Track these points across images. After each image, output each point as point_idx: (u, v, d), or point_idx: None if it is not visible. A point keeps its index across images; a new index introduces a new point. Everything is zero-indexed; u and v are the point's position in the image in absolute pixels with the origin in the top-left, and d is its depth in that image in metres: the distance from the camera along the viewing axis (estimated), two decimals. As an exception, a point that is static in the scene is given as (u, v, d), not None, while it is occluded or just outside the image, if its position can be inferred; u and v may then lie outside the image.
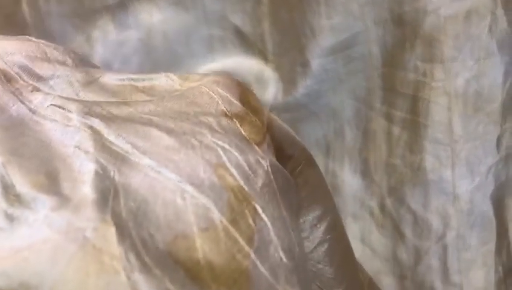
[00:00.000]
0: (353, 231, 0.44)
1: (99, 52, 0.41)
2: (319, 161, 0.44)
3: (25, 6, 0.41)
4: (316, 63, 0.42)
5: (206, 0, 0.41)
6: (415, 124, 0.42)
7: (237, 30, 0.42)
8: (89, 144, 0.20)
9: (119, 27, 0.41)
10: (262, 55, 0.42)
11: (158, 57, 0.42)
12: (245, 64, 0.42)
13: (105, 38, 0.41)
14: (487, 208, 0.41)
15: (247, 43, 0.42)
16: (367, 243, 0.44)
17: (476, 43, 0.39)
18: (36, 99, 0.23)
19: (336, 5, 0.40)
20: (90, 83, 0.25)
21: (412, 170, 0.43)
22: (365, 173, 0.43)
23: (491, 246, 0.42)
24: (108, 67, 0.42)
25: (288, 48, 0.42)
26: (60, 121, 0.21)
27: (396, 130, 0.42)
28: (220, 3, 0.41)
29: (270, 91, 0.43)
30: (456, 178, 0.41)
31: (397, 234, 0.44)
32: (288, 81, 0.42)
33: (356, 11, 0.40)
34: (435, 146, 0.41)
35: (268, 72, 0.43)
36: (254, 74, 0.43)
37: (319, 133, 0.43)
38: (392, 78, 0.41)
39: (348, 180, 0.44)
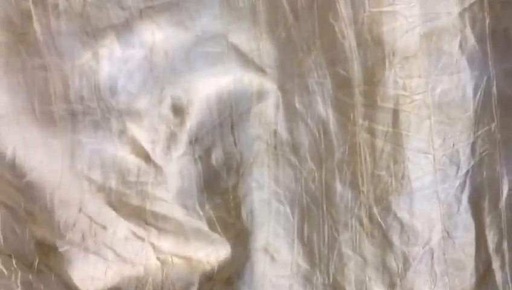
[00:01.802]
0: (345, 240, 0.46)
1: (105, 68, 0.45)
2: (315, 173, 0.47)
3: (36, 25, 0.44)
4: (310, 76, 0.46)
5: (204, 20, 0.45)
6: (397, 136, 0.45)
7: (235, 48, 0.45)
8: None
9: (124, 45, 0.44)
10: (260, 70, 0.46)
11: (160, 73, 0.45)
12: (245, 78, 0.45)
13: (111, 55, 0.44)
14: (466, 210, 0.44)
15: (245, 60, 0.46)
16: (358, 252, 0.46)
17: (448, 59, 0.43)
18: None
19: (327, 26, 0.44)
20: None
21: (396, 180, 0.45)
22: (353, 185, 0.46)
23: (473, 246, 0.44)
24: (115, 82, 0.45)
25: (285, 62, 0.46)
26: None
27: (379, 143, 0.45)
28: (218, 23, 0.45)
29: (270, 102, 0.46)
30: (437, 184, 0.45)
31: (386, 242, 0.46)
32: (287, 91, 0.46)
33: (342, 31, 0.45)
34: (417, 155, 0.44)
35: (267, 84, 0.46)
36: (254, 86, 0.46)
37: (313, 148, 0.46)
38: (373, 94, 0.45)
39: (339, 191, 0.46)
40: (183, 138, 0.45)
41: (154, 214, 0.47)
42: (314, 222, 0.47)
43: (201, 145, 0.46)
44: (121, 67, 0.44)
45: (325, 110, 0.45)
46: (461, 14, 0.42)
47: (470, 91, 0.42)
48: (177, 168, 0.45)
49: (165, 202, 0.46)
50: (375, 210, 0.46)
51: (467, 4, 0.42)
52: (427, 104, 0.44)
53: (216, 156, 0.46)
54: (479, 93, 0.42)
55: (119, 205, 0.47)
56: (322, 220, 0.47)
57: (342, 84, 0.45)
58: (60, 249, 0.47)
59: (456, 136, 0.43)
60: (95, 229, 0.47)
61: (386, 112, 0.44)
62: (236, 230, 0.47)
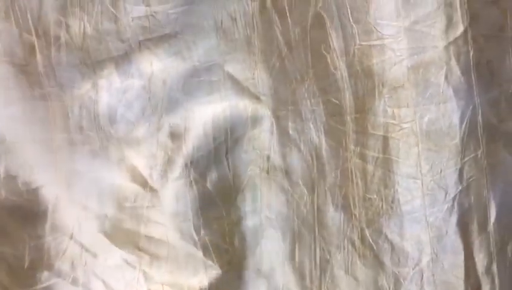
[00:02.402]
0: (337, 261, 0.48)
1: (104, 98, 0.46)
2: (307, 197, 0.49)
3: (38, 57, 0.45)
4: (303, 104, 0.48)
5: (201, 51, 0.46)
6: (387, 162, 0.47)
7: (230, 77, 0.47)
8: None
9: (123, 76, 0.46)
10: (255, 97, 0.47)
11: (158, 102, 0.46)
12: (240, 104, 0.47)
13: (110, 85, 0.46)
14: (455, 233, 0.45)
15: (241, 88, 0.47)
16: (350, 272, 0.48)
17: (435, 89, 0.45)
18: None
19: (319, 57, 0.46)
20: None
21: (387, 203, 0.47)
22: (346, 208, 0.47)
23: (462, 268, 0.46)
24: (114, 111, 0.46)
25: (279, 90, 0.47)
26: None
27: (370, 168, 0.47)
28: (214, 54, 0.47)
29: (265, 128, 0.48)
30: (426, 208, 0.46)
31: (377, 262, 0.48)
32: (281, 117, 0.47)
33: (334, 62, 0.47)
34: (406, 180, 0.46)
35: (262, 111, 0.47)
36: (249, 113, 0.47)
37: (306, 172, 0.48)
38: (364, 122, 0.47)
39: (331, 215, 0.48)
40: (179, 161, 0.46)
41: (148, 239, 0.47)
42: (306, 245, 0.48)
43: (196, 168, 0.47)
44: (120, 97, 0.46)
45: (318, 136, 0.47)
46: (446, 48, 0.44)
47: (456, 120, 0.44)
48: (172, 191, 0.46)
49: (160, 225, 0.47)
50: (366, 232, 0.48)
51: (451, 38, 0.44)
52: (415, 132, 0.46)
53: (211, 180, 0.47)
54: (465, 122, 0.44)
55: (113, 231, 0.47)
56: (314, 243, 0.48)
57: (334, 112, 0.47)
58: (46, 283, 0.46)
59: (443, 162, 0.45)
60: (85, 257, 0.47)
61: (376, 139, 0.46)
62: (229, 256, 0.48)
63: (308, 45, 0.46)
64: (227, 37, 0.46)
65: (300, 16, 0.46)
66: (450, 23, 0.44)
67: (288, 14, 0.47)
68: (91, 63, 0.45)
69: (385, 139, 0.46)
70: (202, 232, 0.47)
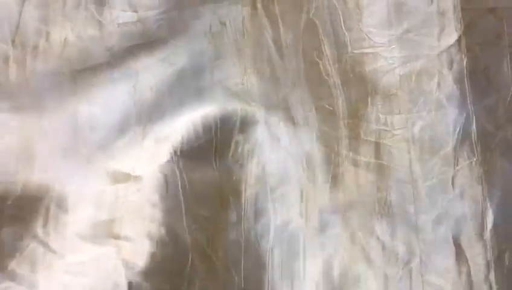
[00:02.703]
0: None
1: (85, 107, 0.44)
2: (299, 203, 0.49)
3: (12, 66, 0.43)
4: (295, 109, 0.47)
5: (189, 56, 0.45)
6: (379, 167, 0.46)
7: (219, 82, 0.46)
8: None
9: (106, 83, 0.44)
10: (245, 102, 0.46)
11: (143, 109, 0.44)
12: (229, 108, 0.45)
13: (91, 93, 0.44)
14: (446, 240, 0.46)
15: (230, 93, 0.46)
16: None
17: (427, 97, 0.45)
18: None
19: (311, 63, 0.46)
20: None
21: (379, 205, 0.47)
22: (336, 212, 0.47)
23: (453, 271, 0.46)
24: (95, 119, 0.45)
25: (270, 96, 0.46)
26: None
27: (362, 172, 0.47)
28: (202, 59, 0.45)
29: (255, 133, 0.46)
30: (418, 212, 0.46)
31: (367, 262, 0.49)
32: (272, 123, 0.46)
33: (327, 69, 0.46)
34: (398, 184, 0.46)
35: (252, 116, 0.46)
36: (239, 116, 0.46)
37: (297, 178, 0.47)
38: (357, 128, 0.47)
39: (321, 219, 0.47)
40: (166, 149, 0.44)
41: (131, 227, 0.44)
42: (294, 255, 0.47)
43: (185, 158, 0.45)
44: (102, 104, 0.44)
45: (310, 142, 0.47)
46: (439, 56, 0.44)
47: (449, 127, 0.44)
48: (160, 174, 0.44)
49: (142, 217, 0.44)
50: (359, 234, 0.48)
51: (444, 46, 0.44)
52: (406, 138, 0.46)
53: (200, 177, 0.45)
54: (458, 130, 0.44)
55: (89, 230, 0.44)
56: (304, 251, 0.48)
57: (327, 118, 0.46)
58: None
59: (435, 169, 0.45)
60: (49, 257, 0.42)
61: (368, 145, 0.46)
62: (212, 264, 0.46)
63: (300, 51, 0.46)
64: (217, 42, 0.45)
65: (292, 22, 0.46)
66: (442, 32, 0.44)
67: (279, 21, 0.46)
68: (70, 71, 0.43)
69: (377, 145, 0.46)
70: (190, 227, 0.45)
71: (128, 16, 0.44)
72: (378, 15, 0.44)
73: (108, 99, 0.44)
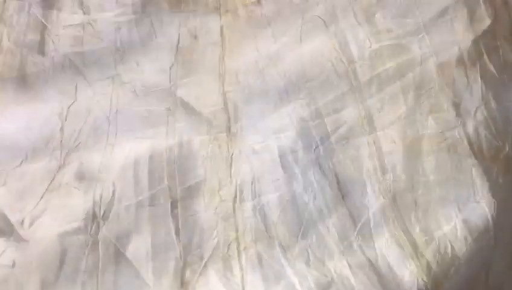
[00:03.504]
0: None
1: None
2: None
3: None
4: (293, 130, 0.33)
5: (146, 73, 0.35)
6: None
7: (184, 104, 0.34)
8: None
9: (33, 96, 0.33)
10: (217, 130, 0.33)
11: (72, 134, 0.32)
12: (195, 140, 0.32)
13: (11, 107, 0.33)
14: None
15: (198, 119, 0.34)
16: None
17: (473, 89, 0.33)
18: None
19: (318, 66, 0.35)
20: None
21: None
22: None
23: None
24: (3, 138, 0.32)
25: (254, 116, 0.34)
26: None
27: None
28: (164, 77, 0.35)
29: (235, 170, 0.32)
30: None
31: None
32: (259, 151, 0.32)
33: (341, 71, 0.34)
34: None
35: (227, 149, 0.32)
36: (209, 151, 0.32)
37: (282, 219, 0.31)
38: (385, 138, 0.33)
39: None
40: (82, 209, 0.30)
41: None
42: None
43: (112, 226, 0.30)
44: (19, 121, 0.33)
45: (317, 176, 0.32)
46: (475, 43, 0.34)
47: (506, 125, 0.32)
48: (55, 247, 0.28)
49: None
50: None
51: (479, 32, 0.34)
52: (460, 140, 0.31)
53: (136, 248, 0.29)
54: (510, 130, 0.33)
55: None
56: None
57: (345, 135, 0.33)
58: None
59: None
60: None
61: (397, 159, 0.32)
62: None
63: (301, 54, 0.36)
64: (185, 57, 0.36)
65: (288, 24, 0.37)
66: (474, 16, 0.35)
67: (269, 25, 0.37)
68: None
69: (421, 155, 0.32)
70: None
71: (76, 18, 0.36)
72: (397, 4, 0.35)
73: (31, 116, 0.33)
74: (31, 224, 0.29)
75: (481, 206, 0.31)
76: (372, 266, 0.29)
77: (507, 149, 0.32)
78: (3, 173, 0.31)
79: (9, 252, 0.28)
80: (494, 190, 0.31)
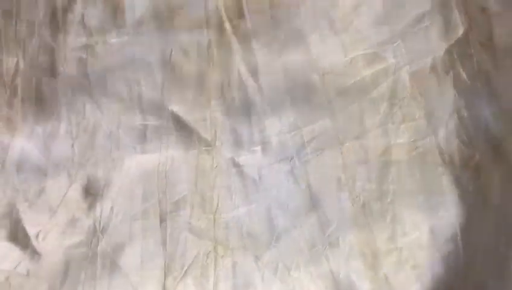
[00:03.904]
0: None
1: (18, 142, 0.37)
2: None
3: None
4: (277, 141, 0.36)
5: (143, 90, 0.38)
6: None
7: (176, 118, 0.38)
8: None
9: (48, 117, 0.37)
10: (206, 144, 0.37)
11: (82, 150, 0.37)
12: (186, 154, 0.36)
13: (30, 128, 0.37)
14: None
15: (188, 133, 0.37)
16: None
17: (445, 97, 0.34)
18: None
19: (298, 77, 0.37)
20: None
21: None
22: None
23: None
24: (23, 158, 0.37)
25: (239, 130, 0.36)
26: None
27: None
28: (158, 93, 0.38)
29: (221, 181, 0.35)
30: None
31: None
32: (244, 165, 0.36)
33: (318, 82, 0.36)
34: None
35: (215, 161, 0.36)
36: (199, 166, 0.36)
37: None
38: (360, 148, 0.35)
39: None
40: (86, 223, 0.35)
41: None
42: None
43: (109, 239, 0.34)
44: (37, 141, 0.37)
45: (297, 182, 0.35)
46: (449, 51, 0.35)
47: (477, 131, 0.33)
48: (62, 260, 0.33)
49: None
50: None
51: (453, 40, 0.35)
52: (431, 149, 0.32)
53: (128, 258, 0.34)
54: (487, 133, 0.33)
55: None
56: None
57: (322, 145, 0.35)
58: None
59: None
60: None
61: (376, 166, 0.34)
62: None
63: (281, 67, 0.37)
64: (176, 73, 0.38)
65: (270, 37, 0.38)
66: (449, 24, 0.35)
67: (253, 38, 0.38)
68: (17, 101, 0.38)
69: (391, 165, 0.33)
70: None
71: (81, 41, 0.38)
72: (374, 12, 0.36)
73: (47, 136, 0.37)
74: (44, 238, 0.35)
75: (450, 215, 0.32)
76: (333, 276, 0.31)
77: (477, 157, 0.34)
78: (28, 189, 0.36)
79: (24, 263, 0.34)
80: (464, 198, 0.32)
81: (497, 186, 0.32)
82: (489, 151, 0.33)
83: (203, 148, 0.36)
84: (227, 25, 0.39)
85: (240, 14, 0.39)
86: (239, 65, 0.38)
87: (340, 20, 0.37)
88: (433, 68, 0.35)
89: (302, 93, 0.36)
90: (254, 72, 0.37)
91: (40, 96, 0.39)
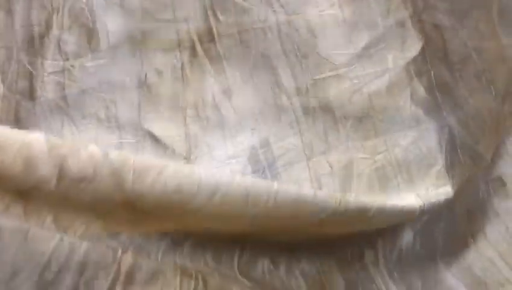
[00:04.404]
0: None
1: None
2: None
3: None
4: (250, 157, 0.38)
5: (120, 109, 0.40)
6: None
7: (151, 135, 0.39)
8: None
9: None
10: (182, 159, 0.39)
11: None
12: None
13: None
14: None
15: (163, 149, 0.39)
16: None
17: (403, 113, 0.38)
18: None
19: (267, 99, 0.40)
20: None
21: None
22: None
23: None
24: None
25: (216, 146, 0.39)
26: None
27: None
28: (134, 112, 0.40)
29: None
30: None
31: None
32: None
33: (287, 103, 0.39)
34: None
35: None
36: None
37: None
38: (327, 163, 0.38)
39: None
40: None
41: None
42: None
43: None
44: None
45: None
46: (406, 68, 0.39)
47: (434, 144, 0.35)
48: None
49: None
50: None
51: (409, 58, 0.39)
52: (390, 162, 0.35)
53: None
54: (444, 145, 0.37)
55: None
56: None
57: (291, 160, 0.38)
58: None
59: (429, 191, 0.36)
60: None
61: (343, 180, 0.37)
62: None
63: (251, 88, 0.40)
64: (152, 93, 0.40)
65: (240, 59, 0.41)
66: (405, 43, 0.38)
67: (224, 60, 0.41)
68: None
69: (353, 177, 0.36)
70: None
71: (58, 65, 0.40)
72: (334, 36, 0.40)
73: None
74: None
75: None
76: None
77: (441, 164, 0.37)
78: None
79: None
80: (424, 207, 0.35)
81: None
82: (456, 157, 0.37)
83: (178, 162, 0.38)
84: (198, 48, 0.42)
85: (210, 38, 0.41)
86: (212, 86, 0.41)
87: (305, 46, 0.40)
88: (389, 87, 0.38)
89: (273, 113, 0.39)
90: (227, 92, 0.40)
91: (19, 119, 0.40)
